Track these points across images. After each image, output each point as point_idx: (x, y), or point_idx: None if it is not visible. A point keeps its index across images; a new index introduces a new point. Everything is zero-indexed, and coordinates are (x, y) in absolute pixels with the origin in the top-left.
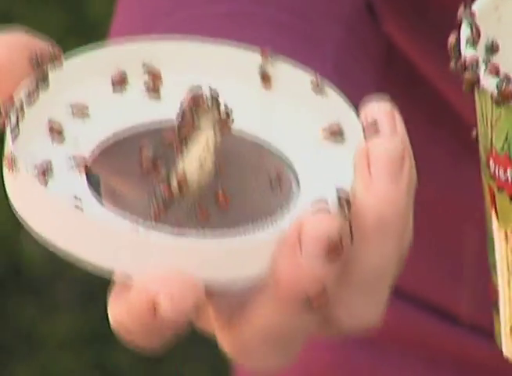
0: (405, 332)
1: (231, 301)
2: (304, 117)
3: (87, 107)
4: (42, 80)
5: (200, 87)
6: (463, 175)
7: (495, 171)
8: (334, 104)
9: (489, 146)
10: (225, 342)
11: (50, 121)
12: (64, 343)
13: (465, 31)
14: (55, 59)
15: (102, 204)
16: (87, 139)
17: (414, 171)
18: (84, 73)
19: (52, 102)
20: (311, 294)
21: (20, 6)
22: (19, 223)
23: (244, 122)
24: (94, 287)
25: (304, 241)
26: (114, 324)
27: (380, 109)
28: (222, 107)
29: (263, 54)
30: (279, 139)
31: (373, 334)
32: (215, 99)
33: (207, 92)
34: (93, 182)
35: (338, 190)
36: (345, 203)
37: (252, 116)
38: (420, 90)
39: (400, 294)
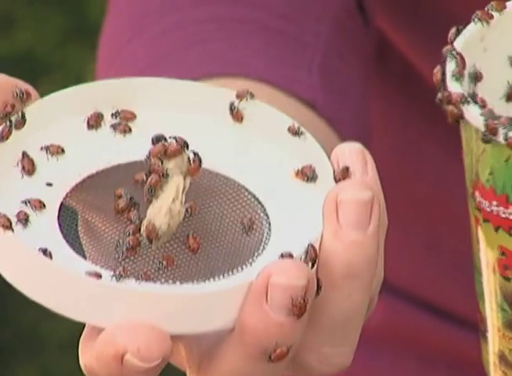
0: (399, 329)
1: (202, 345)
2: (278, 157)
3: (61, 146)
4: (18, 118)
5: (162, 136)
6: (457, 173)
7: (480, 202)
8: (308, 146)
9: (475, 178)
10: None
11: (23, 157)
12: (65, 344)
13: (450, 65)
14: (29, 99)
15: (72, 248)
16: (61, 176)
17: (384, 215)
18: (58, 112)
19: (26, 140)
20: (277, 344)
21: (21, 8)
22: None
23: (217, 160)
24: None
25: (271, 293)
26: (85, 368)
27: (351, 151)
28: (191, 153)
29: (239, 95)
30: (252, 178)
31: (366, 332)
32: (183, 144)
33: (173, 139)
34: (65, 221)
35: (308, 244)
36: (313, 253)
37: (225, 154)
38: (414, 88)
39: (393, 290)
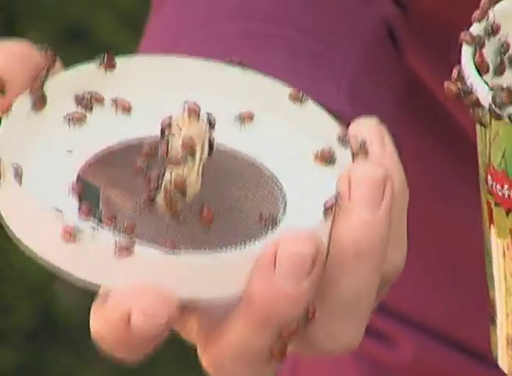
0: (429, 369)
1: (212, 316)
2: (297, 139)
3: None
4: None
5: (194, 103)
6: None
7: (492, 186)
8: (327, 127)
9: (487, 161)
10: (203, 357)
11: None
12: None
13: (467, 53)
14: (51, 67)
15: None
16: (81, 148)
17: (404, 189)
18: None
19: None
20: (284, 316)
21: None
22: (53, 274)
23: (235, 140)
24: None
25: (279, 261)
26: (94, 334)
27: (368, 125)
28: (204, 117)
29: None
30: (271, 159)
31: (396, 370)
32: (208, 117)
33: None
34: (83, 190)
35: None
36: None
37: (244, 135)
38: (421, 101)
39: (423, 329)
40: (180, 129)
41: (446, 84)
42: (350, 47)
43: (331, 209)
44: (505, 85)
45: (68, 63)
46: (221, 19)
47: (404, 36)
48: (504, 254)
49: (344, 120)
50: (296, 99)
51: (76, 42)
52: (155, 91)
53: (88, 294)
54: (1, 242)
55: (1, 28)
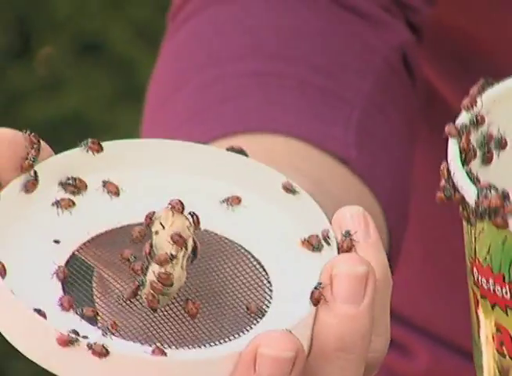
0: None
1: None
2: (284, 225)
3: (72, 200)
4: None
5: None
6: None
7: (478, 279)
8: (313, 214)
9: (473, 255)
10: None
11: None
12: None
13: (453, 148)
14: (38, 150)
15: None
16: (68, 236)
17: (386, 281)
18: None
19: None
20: None
21: (72, 70)
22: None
23: (220, 223)
24: None
25: (259, 362)
26: None
27: (353, 215)
28: (188, 215)
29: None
30: (256, 243)
31: None
32: (182, 207)
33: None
34: (70, 276)
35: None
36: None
37: (228, 219)
38: (438, 113)
39: (439, 339)
40: (163, 227)
41: (438, 193)
42: (361, 79)
43: (318, 300)
44: (491, 186)
45: (84, 77)
46: (231, 57)
47: (418, 60)
48: (490, 345)
49: (352, 166)
50: (288, 189)
51: (91, 55)
52: (146, 174)
53: None
54: None
55: (18, 44)
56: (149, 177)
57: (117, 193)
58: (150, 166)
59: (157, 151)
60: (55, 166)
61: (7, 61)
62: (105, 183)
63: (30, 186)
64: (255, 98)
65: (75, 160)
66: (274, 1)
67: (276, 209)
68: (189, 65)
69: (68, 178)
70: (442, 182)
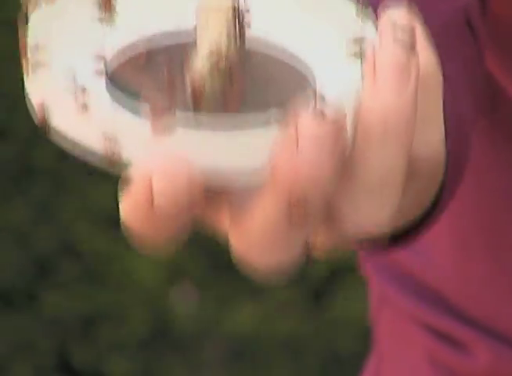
0: (503, 374)
1: (243, 201)
2: (331, 30)
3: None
4: None
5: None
6: None
7: None
8: (361, 22)
9: None
10: (233, 240)
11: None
12: None
13: None
14: None
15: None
16: (111, 41)
17: (434, 73)
18: None
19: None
20: (307, 190)
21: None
22: (168, 282)
23: (267, 27)
24: (240, 345)
25: (301, 136)
26: (124, 221)
27: (401, 16)
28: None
29: None
30: (303, 48)
31: None
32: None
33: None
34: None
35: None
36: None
37: (276, 22)
38: (502, 113)
39: (500, 337)
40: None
41: None
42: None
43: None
44: None
45: None
46: None
47: (482, 28)
48: None
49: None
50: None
51: None
52: None
53: (203, 306)
54: (118, 250)
55: None
56: None
57: None
58: None
59: None
60: None
61: None
62: None
63: None
64: None
65: None
66: None
67: (320, 15)
68: None
69: None
70: None
